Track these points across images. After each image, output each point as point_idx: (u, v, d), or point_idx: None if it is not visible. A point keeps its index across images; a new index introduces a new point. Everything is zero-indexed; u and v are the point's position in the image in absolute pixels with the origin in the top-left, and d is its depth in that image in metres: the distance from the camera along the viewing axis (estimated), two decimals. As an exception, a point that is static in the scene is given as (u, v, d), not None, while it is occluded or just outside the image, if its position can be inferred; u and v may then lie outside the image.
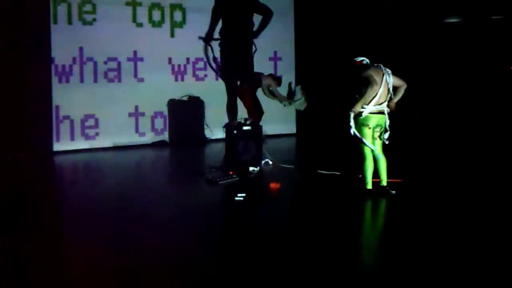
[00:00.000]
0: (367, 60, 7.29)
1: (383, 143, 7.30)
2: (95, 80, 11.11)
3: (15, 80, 10.25)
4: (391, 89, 7.20)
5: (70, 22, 10.81)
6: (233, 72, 10.71)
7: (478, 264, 5.12)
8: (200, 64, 11.93)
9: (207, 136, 11.82)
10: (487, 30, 12.28)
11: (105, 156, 10.63)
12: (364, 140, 7.14)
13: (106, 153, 10.81)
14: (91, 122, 11.11)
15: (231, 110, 10.73)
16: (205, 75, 12.02)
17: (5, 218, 6.61)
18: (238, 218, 6.79)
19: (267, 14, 10.89)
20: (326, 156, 10.05)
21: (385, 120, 7.22)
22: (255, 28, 10.87)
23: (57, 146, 10.76)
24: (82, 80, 10.99)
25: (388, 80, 7.18)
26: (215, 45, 10.85)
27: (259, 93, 10.63)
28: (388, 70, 7.24)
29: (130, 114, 11.45)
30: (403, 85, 7.30)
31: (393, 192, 7.31)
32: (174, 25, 11.77)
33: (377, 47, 10.69)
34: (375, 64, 7.28)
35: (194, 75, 12.04)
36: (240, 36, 10.72)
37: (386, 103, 7.20)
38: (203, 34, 10.76)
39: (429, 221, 6.42)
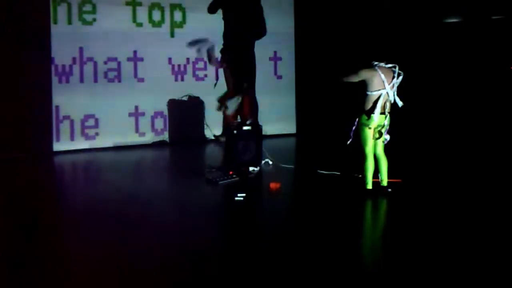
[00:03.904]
0: (376, 62, 7.22)
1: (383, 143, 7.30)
2: (95, 80, 11.09)
3: (15, 80, 10.25)
4: (395, 92, 7.19)
5: (70, 22, 10.79)
6: (234, 66, 10.66)
7: (478, 264, 5.12)
8: (200, 64, 11.92)
9: (207, 136, 11.82)
10: (487, 30, 12.28)
11: (105, 156, 10.62)
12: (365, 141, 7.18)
13: (106, 153, 10.80)
14: (91, 122, 11.09)
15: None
16: (205, 75, 11.99)
17: (5, 218, 6.61)
18: (238, 218, 6.79)
19: (260, 33, 10.79)
20: (326, 156, 10.05)
21: (386, 120, 7.20)
22: None
23: (57, 146, 10.75)
24: (82, 80, 10.98)
25: (394, 82, 7.16)
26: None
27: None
28: (399, 72, 7.20)
29: (130, 114, 11.44)
30: None
31: (389, 190, 7.31)
32: (174, 25, 11.76)
33: (377, 47, 10.67)
34: (388, 65, 7.23)
35: (194, 75, 12.01)
36: (242, 29, 10.66)
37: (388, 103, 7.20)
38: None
39: (429, 221, 6.42)
